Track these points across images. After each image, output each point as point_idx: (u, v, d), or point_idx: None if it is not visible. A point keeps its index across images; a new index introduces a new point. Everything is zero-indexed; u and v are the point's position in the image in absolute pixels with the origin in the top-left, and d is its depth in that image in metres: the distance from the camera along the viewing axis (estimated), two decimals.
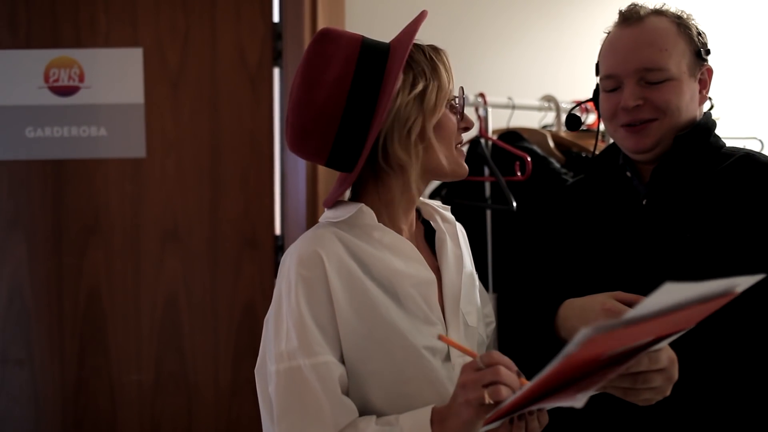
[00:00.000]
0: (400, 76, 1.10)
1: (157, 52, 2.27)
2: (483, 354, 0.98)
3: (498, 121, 2.34)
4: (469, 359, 1.02)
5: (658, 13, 1.34)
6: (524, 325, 1.34)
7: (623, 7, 1.38)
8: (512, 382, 0.94)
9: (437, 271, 1.23)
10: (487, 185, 2.24)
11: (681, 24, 1.32)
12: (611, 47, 1.36)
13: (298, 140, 1.14)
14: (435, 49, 1.17)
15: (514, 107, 2.31)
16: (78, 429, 2.28)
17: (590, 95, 1.48)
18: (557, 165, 2.21)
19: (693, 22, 1.35)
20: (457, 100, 1.19)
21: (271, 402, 1.10)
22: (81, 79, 2.23)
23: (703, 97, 1.36)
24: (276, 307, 1.11)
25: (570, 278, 1.39)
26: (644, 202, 1.36)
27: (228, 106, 2.30)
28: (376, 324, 1.10)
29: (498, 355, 0.96)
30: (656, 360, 1.02)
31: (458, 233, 1.31)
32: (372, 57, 1.12)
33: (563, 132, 2.45)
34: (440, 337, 1.04)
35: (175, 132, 2.29)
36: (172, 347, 2.31)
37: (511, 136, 2.31)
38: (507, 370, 0.95)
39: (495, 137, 2.28)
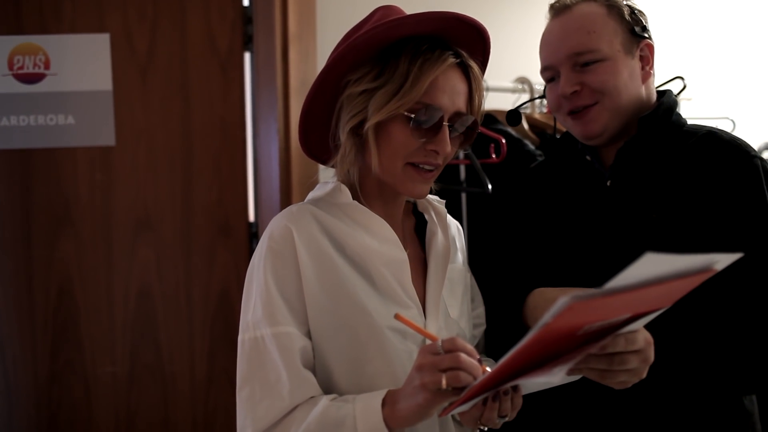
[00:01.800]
0: (366, 65, 1.12)
1: (124, 38, 2.22)
2: (445, 338, 0.95)
3: None
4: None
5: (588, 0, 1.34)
6: (492, 312, 1.34)
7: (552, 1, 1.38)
8: (473, 369, 0.92)
9: (423, 263, 1.22)
10: (462, 168, 2.23)
11: (611, 5, 1.33)
12: (543, 39, 1.37)
13: (301, 137, 1.22)
14: (426, 57, 1.10)
15: (488, 89, 2.30)
16: (53, 423, 2.25)
17: None
18: (532, 147, 2.20)
19: (625, 2, 1.35)
20: (419, 116, 1.09)
21: None
22: (47, 66, 2.18)
23: (647, 73, 1.36)
24: (247, 281, 1.13)
25: (538, 262, 1.39)
26: (608, 184, 1.36)
27: (199, 92, 2.27)
28: (342, 301, 1.09)
29: (460, 341, 0.94)
30: (633, 341, 1.02)
31: (454, 229, 1.31)
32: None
33: (537, 114, 2.45)
34: (396, 316, 1.01)
35: (145, 119, 2.25)
36: (147, 338, 2.28)
37: (486, 118, 2.31)
38: (468, 357, 0.92)
39: None
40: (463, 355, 0.92)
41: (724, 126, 2.90)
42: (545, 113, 2.52)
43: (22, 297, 2.22)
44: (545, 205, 1.44)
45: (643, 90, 1.35)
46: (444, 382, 0.91)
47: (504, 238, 1.52)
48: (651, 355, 1.06)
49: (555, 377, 0.86)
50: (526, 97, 2.49)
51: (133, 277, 2.27)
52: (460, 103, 1.13)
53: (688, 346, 1.21)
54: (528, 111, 2.47)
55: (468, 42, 1.17)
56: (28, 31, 2.18)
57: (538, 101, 2.49)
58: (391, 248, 1.15)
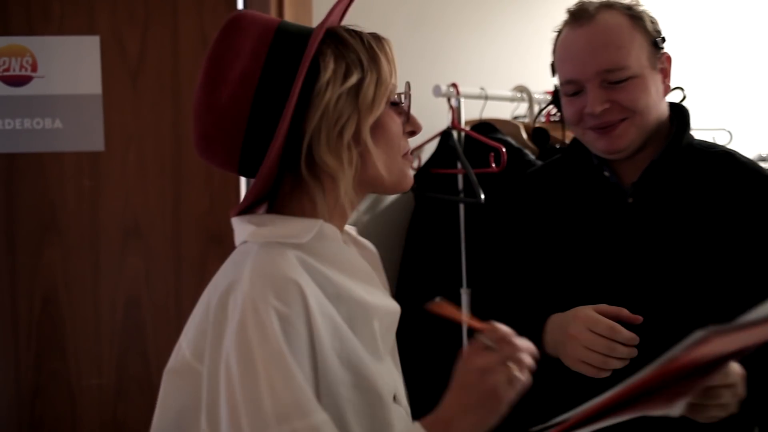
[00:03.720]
0: (329, 63, 0.92)
1: (115, 40, 2.17)
2: (486, 329, 0.86)
3: (469, 112, 2.29)
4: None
5: (608, 6, 1.28)
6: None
7: (571, 6, 1.32)
8: (531, 349, 0.86)
9: None
10: (460, 178, 2.19)
11: (633, 15, 1.28)
12: (566, 51, 1.30)
13: (202, 148, 0.95)
14: (376, 38, 0.98)
15: (486, 98, 2.26)
16: None
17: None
18: (532, 157, 2.16)
19: (643, 9, 1.30)
20: (402, 97, 1.00)
21: None
22: (34, 68, 2.12)
23: (667, 87, 1.32)
24: (242, 356, 0.83)
25: (550, 280, 1.35)
26: (630, 201, 1.31)
27: (190, 96, 2.18)
28: (359, 370, 0.91)
29: (501, 326, 0.86)
30: (727, 374, 0.98)
31: (379, 263, 1.12)
32: (288, 46, 0.93)
33: (536, 123, 2.41)
34: (433, 307, 0.88)
35: (135, 124, 2.19)
36: (135, 349, 2.22)
37: (484, 127, 2.27)
38: (520, 339, 0.86)
39: (467, 129, 2.23)
40: (517, 339, 0.85)
41: (721, 137, 2.88)
42: (544, 122, 2.48)
43: (5, 306, 2.16)
44: (553, 218, 1.39)
45: (664, 105, 1.32)
46: (517, 372, 0.83)
47: (507, 253, 1.47)
48: (742, 390, 1.02)
49: (675, 410, 0.81)
50: (524, 105, 2.45)
51: (121, 286, 2.21)
52: None
53: None
54: (527, 120, 2.43)
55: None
56: (14, 32, 2.12)
57: (536, 109, 2.45)
58: (384, 299, 0.99)
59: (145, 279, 2.21)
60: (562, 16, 1.35)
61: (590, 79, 1.25)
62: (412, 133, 1.02)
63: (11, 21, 2.13)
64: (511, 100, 2.40)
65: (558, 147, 2.27)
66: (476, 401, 0.84)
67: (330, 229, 0.96)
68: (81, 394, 2.19)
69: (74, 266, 2.18)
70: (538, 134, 1.57)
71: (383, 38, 0.99)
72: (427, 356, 2.28)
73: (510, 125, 2.33)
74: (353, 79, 0.92)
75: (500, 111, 2.48)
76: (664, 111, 1.31)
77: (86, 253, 2.19)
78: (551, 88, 2.50)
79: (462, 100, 2.19)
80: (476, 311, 1.44)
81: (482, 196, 1.97)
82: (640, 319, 1.12)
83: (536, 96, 2.41)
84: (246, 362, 0.83)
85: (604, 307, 1.15)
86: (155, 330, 2.22)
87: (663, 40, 1.30)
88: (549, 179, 1.45)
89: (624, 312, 1.13)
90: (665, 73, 1.31)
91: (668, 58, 1.31)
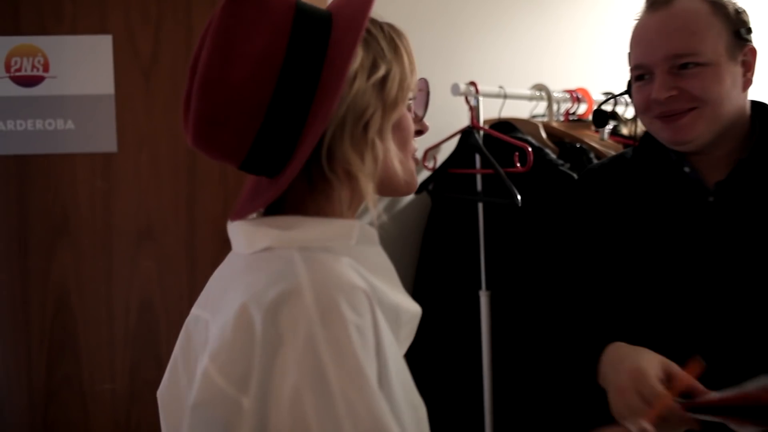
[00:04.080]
0: (358, 52, 0.85)
1: (127, 40, 2.13)
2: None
3: (486, 111, 2.25)
4: None
5: None
6: (566, 351, 1.25)
7: None
8: None
9: None
10: (479, 178, 2.15)
11: (715, 3, 1.22)
12: (639, 35, 1.27)
13: (203, 133, 0.84)
14: (395, 30, 0.92)
15: (506, 96, 2.22)
16: None
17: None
18: (553, 156, 2.12)
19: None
20: (414, 96, 0.94)
21: None
22: (45, 68, 2.09)
23: (748, 81, 1.26)
24: (315, 379, 0.73)
25: (619, 282, 1.29)
26: (711, 200, 1.26)
27: None
28: (409, 386, 0.85)
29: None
30: None
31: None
32: (311, 25, 0.84)
33: (555, 122, 2.37)
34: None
35: (148, 125, 2.15)
36: (148, 354, 2.18)
37: (504, 126, 2.23)
38: None
39: (486, 128, 2.19)
40: None
41: None
42: (563, 122, 2.44)
43: (17, 309, 2.12)
44: (623, 215, 1.33)
45: (742, 99, 1.26)
46: None
47: (573, 253, 1.40)
48: None
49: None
50: (543, 104, 2.41)
51: (134, 289, 2.17)
52: None
53: None
54: (545, 119, 2.39)
55: None
56: (26, 32, 2.09)
57: (555, 108, 2.41)
58: (408, 302, 0.92)
59: (158, 282, 2.18)
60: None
61: (658, 64, 1.22)
62: (419, 133, 0.97)
63: (22, 21, 2.09)
64: (530, 98, 2.35)
65: (579, 146, 2.22)
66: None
67: (369, 230, 0.90)
68: (94, 399, 2.16)
69: (87, 269, 2.15)
70: (599, 115, 1.52)
71: (402, 32, 0.93)
72: (442, 359, 2.25)
73: (529, 124, 2.29)
74: (381, 71, 0.86)
75: (517, 110, 2.44)
76: (742, 106, 1.26)
77: (99, 256, 2.15)
78: (570, 87, 2.49)
79: (480, 98, 2.14)
80: (535, 316, 1.39)
81: (518, 197, 1.93)
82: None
83: (555, 94, 2.37)
84: (320, 385, 0.73)
85: (672, 367, 1.08)
86: (169, 334, 2.18)
87: (749, 31, 1.24)
88: (618, 174, 1.39)
89: (696, 386, 1.07)
90: (748, 67, 1.25)
91: (753, 51, 1.26)
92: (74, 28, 2.11)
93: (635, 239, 1.30)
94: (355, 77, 0.84)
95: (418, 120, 0.97)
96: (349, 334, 0.74)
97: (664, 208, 1.30)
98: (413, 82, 0.92)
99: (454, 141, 2.26)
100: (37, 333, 2.13)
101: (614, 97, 1.61)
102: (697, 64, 1.20)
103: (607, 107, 1.94)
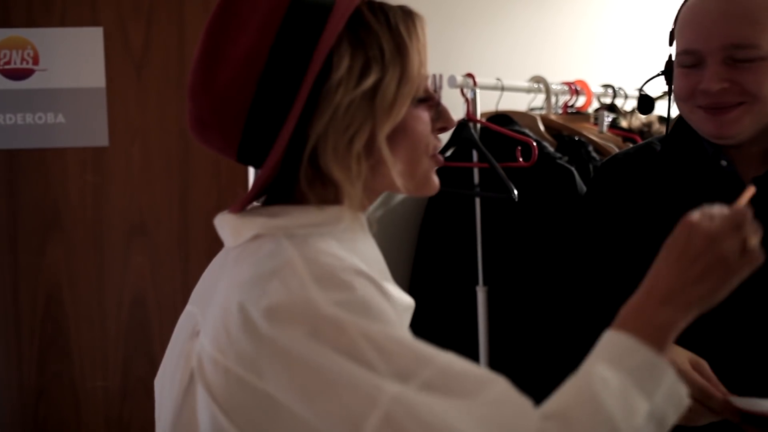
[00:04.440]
0: (344, 56, 0.79)
1: (118, 32, 2.11)
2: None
3: (483, 103, 2.22)
4: None
5: None
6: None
7: None
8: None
9: None
10: (476, 172, 2.12)
11: None
12: (693, 17, 1.16)
13: (197, 131, 0.85)
14: (407, 16, 0.84)
15: (503, 89, 2.19)
16: None
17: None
18: (551, 149, 2.09)
19: None
20: (428, 93, 0.87)
21: None
22: (35, 61, 2.06)
23: None
24: (337, 344, 0.70)
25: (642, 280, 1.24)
26: None
27: None
28: None
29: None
30: None
31: None
32: (304, 19, 0.79)
33: (553, 115, 2.34)
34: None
35: (140, 118, 2.13)
36: (141, 350, 2.17)
37: (501, 119, 2.20)
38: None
39: (484, 120, 2.16)
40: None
41: None
42: (561, 114, 2.41)
43: (8, 306, 2.11)
44: (651, 209, 1.25)
45: None
46: (754, 242, 0.75)
47: (597, 249, 1.32)
48: None
49: None
50: (542, 96, 2.37)
51: (126, 284, 2.15)
52: None
53: None
54: (543, 111, 2.36)
55: None
56: (15, 24, 2.06)
57: (554, 100, 2.38)
58: (401, 294, 0.88)
59: (150, 278, 2.16)
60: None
61: (713, 53, 1.12)
62: (443, 129, 0.90)
63: (12, 13, 2.07)
64: (528, 91, 2.32)
65: (577, 139, 2.19)
66: (703, 271, 0.75)
67: (359, 217, 0.86)
68: (85, 396, 2.15)
69: (78, 265, 2.13)
70: (644, 101, 1.42)
71: (415, 15, 0.85)
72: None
73: (527, 117, 2.26)
74: (370, 79, 0.79)
75: (514, 102, 2.41)
76: None
77: (90, 251, 2.14)
78: (568, 79, 2.46)
79: (477, 91, 2.11)
80: (550, 314, 1.33)
81: (515, 192, 1.89)
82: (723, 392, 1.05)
83: (553, 87, 2.34)
84: (334, 334, 0.71)
85: (702, 363, 1.06)
86: (161, 330, 2.16)
87: None
88: (645, 165, 1.31)
89: (715, 391, 1.04)
90: None
91: None
92: (64, 20, 2.09)
93: (665, 233, 1.26)
94: (337, 87, 0.78)
95: (443, 116, 0.89)
96: (362, 290, 0.74)
97: (697, 201, 1.24)
98: (423, 76, 0.85)
99: (449, 134, 2.23)
100: (27, 330, 2.12)
101: (651, 79, 1.50)
102: (755, 58, 1.11)
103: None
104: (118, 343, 2.15)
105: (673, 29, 1.24)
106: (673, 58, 1.22)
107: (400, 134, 0.83)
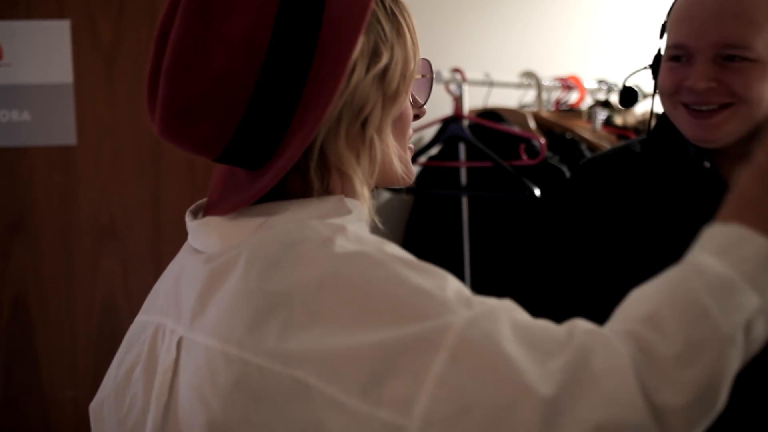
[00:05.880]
0: (361, 37, 0.74)
1: (87, 25, 2.05)
2: None
3: (471, 100, 2.15)
4: None
5: None
6: None
7: None
8: None
9: None
10: (463, 171, 2.05)
11: None
12: (687, 11, 1.14)
13: (173, 124, 0.75)
14: (396, 1, 0.81)
15: (492, 85, 2.11)
16: None
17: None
18: None
19: None
20: (418, 79, 0.86)
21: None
22: None
23: None
24: (370, 292, 0.69)
25: (626, 283, 1.19)
26: None
27: None
28: None
29: None
30: None
31: None
32: (302, 2, 0.75)
33: (545, 112, 2.27)
34: None
35: (110, 116, 2.08)
36: (112, 358, 2.09)
37: (490, 116, 2.13)
38: None
39: (473, 117, 2.09)
40: None
41: None
42: (553, 111, 2.33)
43: None
44: (631, 211, 1.23)
45: None
46: None
47: (576, 252, 1.30)
48: None
49: None
50: (533, 92, 2.30)
51: (96, 290, 2.10)
52: None
53: None
54: (534, 108, 2.28)
55: None
56: None
57: (545, 96, 2.30)
58: None
59: (122, 282, 2.11)
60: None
61: (704, 50, 1.10)
62: (416, 118, 0.88)
63: None
64: (518, 86, 2.25)
65: (569, 138, 2.12)
66: None
67: (359, 207, 0.80)
68: (54, 406, 2.10)
69: (45, 269, 2.08)
70: (627, 93, 1.40)
71: (402, 3, 0.82)
72: None
73: (517, 114, 2.19)
74: (383, 60, 0.77)
75: (504, 99, 2.34)
76: None
77: (58, 255, 2.09)
78: (561, 74, 2.38)
79: (465, 87, 2.04)
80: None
81: (537, 191, 1.85)
82: None
83: (545, 82, 2.27)
84: (381, 291, 0.70)
85: None
86: None
87: None
88: (625, 167, 1.29)
89: None
90: None
91: None
92: (30, 12, 2.04)
93: (647, 237, 1.21)
94: (354, 67, 0.74)
95: (418, 106, 0.89)
96: (394, 257, 0.72)
97: (679, 203, 1.21)
98: (417, 64, 0.83)
99: (434, 130, 2.16)
100: None
101: (637, 72, 1.48)
102: (745, 59, 1.09)
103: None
104: (89, 350, 2.10)
105: (665, 22, 1.20)
106: (662, 52, 1.20)
107: (396, 120, 0.82)
